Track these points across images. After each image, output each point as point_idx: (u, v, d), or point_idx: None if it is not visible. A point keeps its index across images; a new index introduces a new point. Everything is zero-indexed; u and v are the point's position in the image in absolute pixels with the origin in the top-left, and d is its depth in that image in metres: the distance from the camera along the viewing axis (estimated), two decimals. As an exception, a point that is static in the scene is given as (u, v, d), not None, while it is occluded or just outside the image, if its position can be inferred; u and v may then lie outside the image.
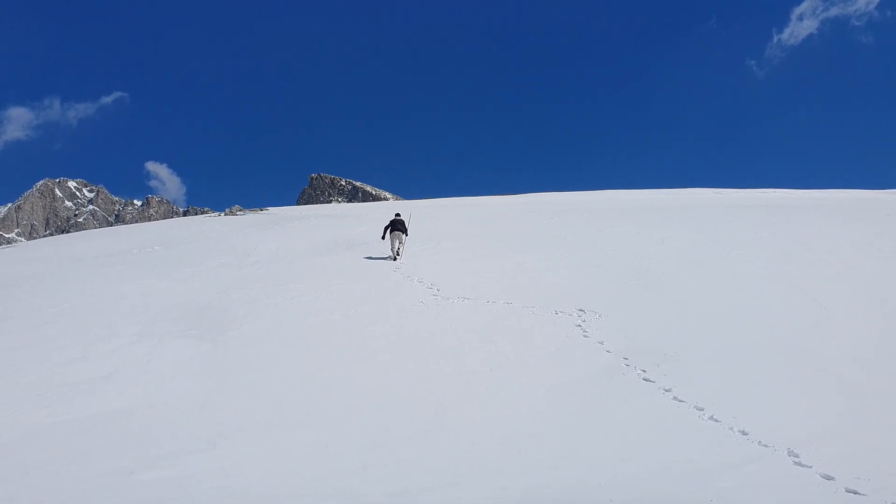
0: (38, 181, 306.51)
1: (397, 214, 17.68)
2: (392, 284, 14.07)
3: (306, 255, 17.69)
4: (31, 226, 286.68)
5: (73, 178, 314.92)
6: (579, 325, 10.77)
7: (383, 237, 17.27)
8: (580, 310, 11.55)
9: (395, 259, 16.65)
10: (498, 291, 13.03)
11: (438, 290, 13.38)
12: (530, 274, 14.43)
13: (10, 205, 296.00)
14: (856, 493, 5.67)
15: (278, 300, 12.99)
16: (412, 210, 23.28)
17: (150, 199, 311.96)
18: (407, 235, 17.22)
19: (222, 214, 32.73)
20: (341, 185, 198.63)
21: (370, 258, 16.96)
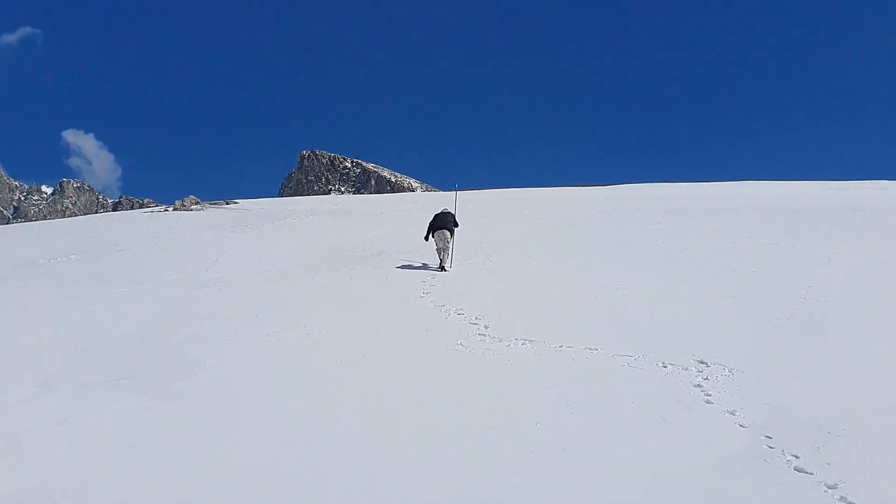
0: None
1: (443, 209, 18.87)
2: (419, 317, 14.13)
3: (293, 271, 17.82)
4: None
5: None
6: (699, 385, 10.76)
7: (427, 238, 18.43)
8: (700, 361, 11.58)
9: (442, 269, 17.64)
10: (575, 331, 13.01)
11: (487, 326, 13.47)
12: (624, 306, 14.40)
13: None
14: None
15: (251, 338, 13.14)
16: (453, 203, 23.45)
17: (65, 185, 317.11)
18: (456, 226, 18.24)
19: (171, 209, 33.83)
20: (345, 166, 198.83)
21: (389, 276, 17.07)
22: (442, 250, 18.14)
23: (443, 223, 18.23)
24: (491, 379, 11.22)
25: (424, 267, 18.84)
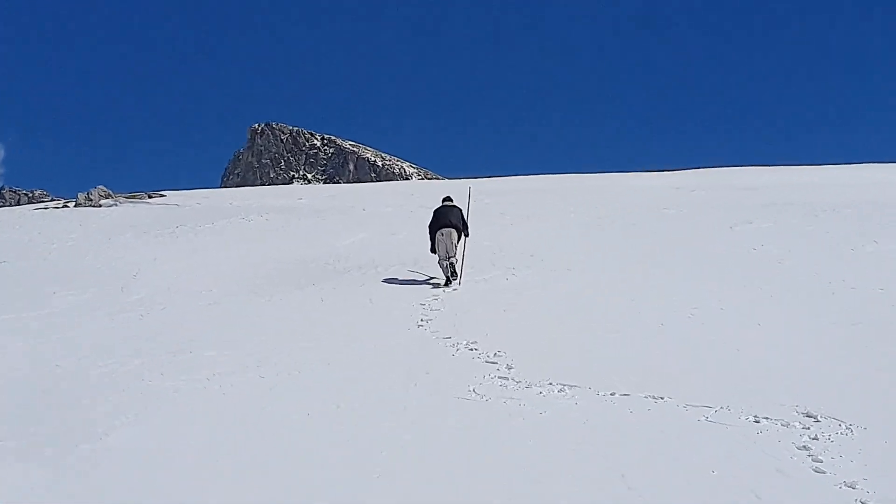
0: None
1: (446, 199, 18.79)
2: (417, 353, 13.35)
3: (242, 291, 17.97)
4: None
5: None
6: (805, 448, 9.41)
7: (434, 248, 18.01)
8: (807, 415, 10.32)
9: (448, 282, 17.42)
10: (632, 373, 12.08)
11: (509, 367, 12.37)
12: (701, 337, 13.80)
13: None
14: None
15: (183, 383, 12.26)
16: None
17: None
18: (465, 236, 18.28)
19: (72, 204, 33.77)
20: (314, 145, 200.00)
21: (375, 297, 16.99)
22: (448, 257, 17.25)
23: (447, 219, 17.52)
24: (516, 440, 9.96)
25: (424, 283, 18.29)
